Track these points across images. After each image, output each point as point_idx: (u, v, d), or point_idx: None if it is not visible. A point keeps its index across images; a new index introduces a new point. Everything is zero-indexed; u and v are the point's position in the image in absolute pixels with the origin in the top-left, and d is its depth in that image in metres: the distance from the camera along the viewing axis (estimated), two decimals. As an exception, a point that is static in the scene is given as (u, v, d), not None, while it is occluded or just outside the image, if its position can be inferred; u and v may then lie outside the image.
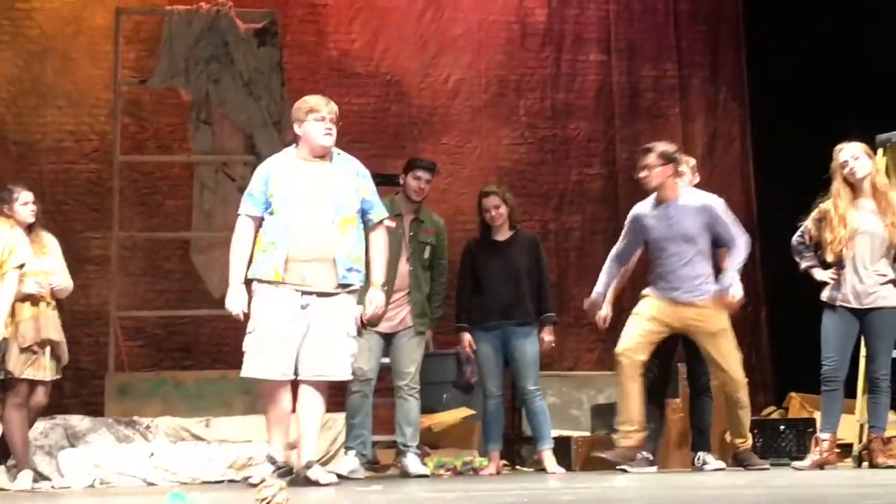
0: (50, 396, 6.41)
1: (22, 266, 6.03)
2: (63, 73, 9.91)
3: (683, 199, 6.31)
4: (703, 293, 6.20)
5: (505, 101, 10.57)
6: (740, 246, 6.25)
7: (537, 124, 10.58)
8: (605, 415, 7.76)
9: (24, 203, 6.27)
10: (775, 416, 8.55)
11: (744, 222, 10.44)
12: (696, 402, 6.60)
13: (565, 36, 10.70)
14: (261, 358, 5.22)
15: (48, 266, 6.29)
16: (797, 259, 6.49)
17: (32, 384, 6.19)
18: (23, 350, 6.08)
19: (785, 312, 9.60)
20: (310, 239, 5.32)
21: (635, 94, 10.74)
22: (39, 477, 6.36)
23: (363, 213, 5.51)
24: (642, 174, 6.32)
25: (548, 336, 6.76)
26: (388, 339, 6.62)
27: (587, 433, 7.80)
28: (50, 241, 6.43)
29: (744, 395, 6.29)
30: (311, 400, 5.32)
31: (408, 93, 10.43)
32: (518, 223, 6.95)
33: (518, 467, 7.72)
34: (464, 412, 7.49)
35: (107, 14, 9.62)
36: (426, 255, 6.72)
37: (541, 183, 10.38)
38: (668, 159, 6.27)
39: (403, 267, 6.61)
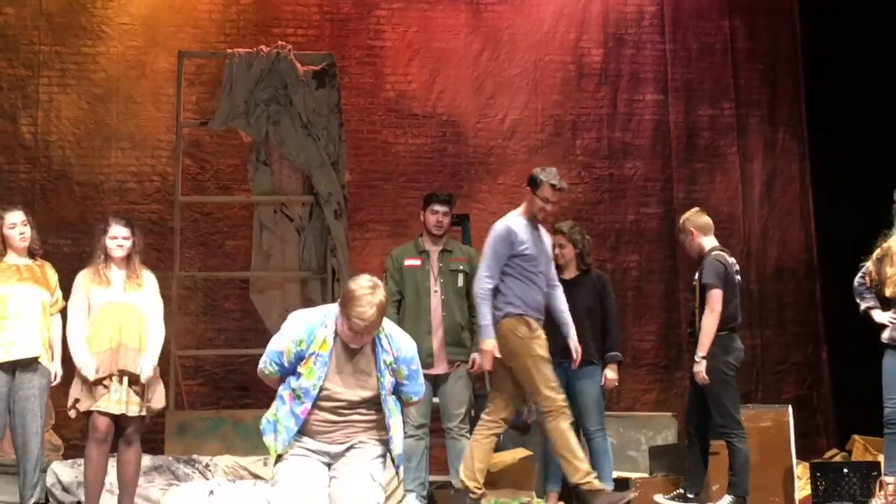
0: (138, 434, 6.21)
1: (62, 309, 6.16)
2: (127, 116, 10.13)
3: None
4: None
5: (561, 141, 10.59)
6: None
7: (594, 164, 10.59)
8: (663, 456, 7.69)
9: (113, 237, 6.21)
10: (838, 458, 8.42)
11: (804, 262, 10.58)
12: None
13: (622, 75, 10.72)
14: None
15: (137, 303, 6.18)
16: (858, 300, 6.45)
17: (116, 420, 6.10)
18: (95, 383, 6.02)
19: (847, 354, 9.46)
20: (333, 427, 4.89)
21: (692, 133, 10.72)
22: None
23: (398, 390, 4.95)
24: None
25: (610, 374, 6.72)
26: (435, 381, 6.64)
27: (645, 475, 7.72)
28: (147, 280, 6.29)
29: None
30: None
31: (464, 133, 10.50)
32: (588, 264, 6.94)
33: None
34: (521, 452, 7.45)
35: (169, 58, 9.83)
36: (459, 283, 6.72)
37: (597, 222, 10.37)
38: None
39: (436, 302, 6.65)
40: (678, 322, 10.31)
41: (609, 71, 10.71)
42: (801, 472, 7.47)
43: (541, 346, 6.10)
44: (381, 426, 4.93)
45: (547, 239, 6.42)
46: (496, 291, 6.10)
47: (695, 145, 10.70)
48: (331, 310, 4.87)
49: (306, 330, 4.83)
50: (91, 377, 6.02)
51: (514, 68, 10.62)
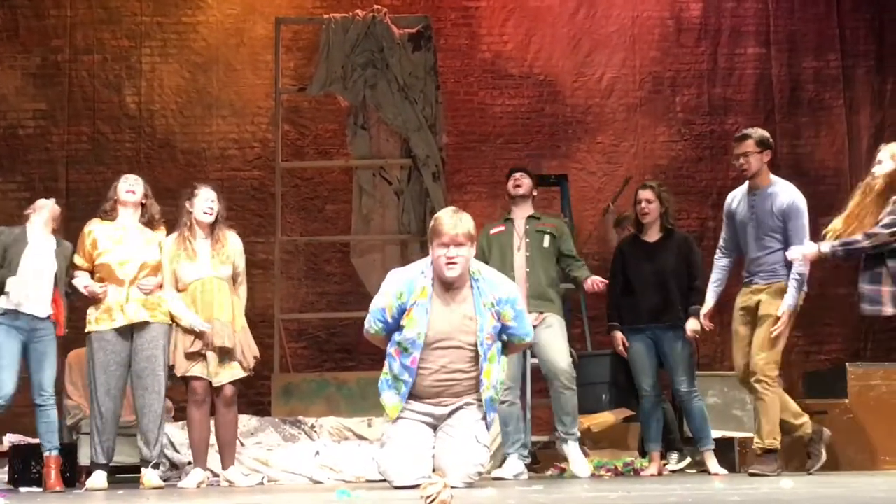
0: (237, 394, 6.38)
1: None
2: (227, 84, 10.28)
3: (774, 188, 6.13)
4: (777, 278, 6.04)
5: (660, 98, 10.44)
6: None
7: (694, 120, 10.42)
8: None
9: (203, 201, 6.33)
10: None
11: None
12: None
13: (722, 29, 10.51)
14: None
15: (224, 274, 6.30)
16: None
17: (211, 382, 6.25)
18: (190, 354, 6.19)
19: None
20: (441, 384, 5.02)
21: (796, 86, 10.46)
22: (212, 475, 6.53)
23: (502, 336, 5.10)
24: (740, 161, 6.15)
25: (691, 324, 6.55)
26: None
27: (751, 434, 7.62)
28: (232, 242, 6.39)
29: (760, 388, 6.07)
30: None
31: (562, 92, 10.41)
32: (672, 225, 6.84)
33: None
34: (623, 413, 7.42)
35: (267, 25, 9.92)
36: (546, 243, 6.67)
37: (698, 179, 10.22)
38: (765, 146, 6.10)
39: (520, 258, 6.60)
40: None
41: (709, 25, 10.51)
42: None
43: None
44: (497, 382, 5.06)
45: None
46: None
47: (798, 99, 10.45)
48: (426, 261, 5.03)
49: (406, 282, 4.99)
50: (208, 329, 6.13)
51: (611, 25, 10.47)
